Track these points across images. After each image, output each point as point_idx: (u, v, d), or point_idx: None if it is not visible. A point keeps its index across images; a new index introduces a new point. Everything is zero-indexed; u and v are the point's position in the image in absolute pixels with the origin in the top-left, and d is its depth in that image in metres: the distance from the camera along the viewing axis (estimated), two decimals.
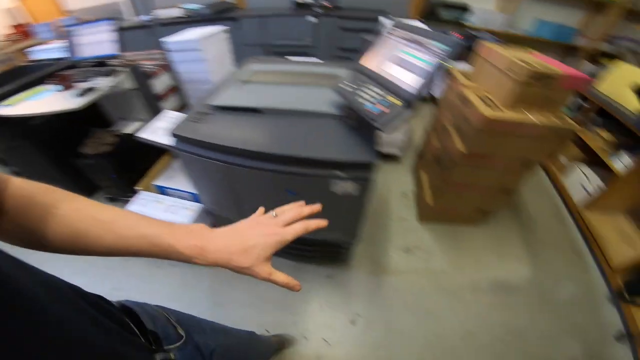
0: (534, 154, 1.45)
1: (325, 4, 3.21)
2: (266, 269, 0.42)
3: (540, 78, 1.24)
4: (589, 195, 2.03)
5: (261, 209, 0.52)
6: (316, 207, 0.50)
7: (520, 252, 1.89)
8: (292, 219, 0.47)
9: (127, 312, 0.46)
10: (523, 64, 1.24)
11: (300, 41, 3.35)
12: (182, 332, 0.52)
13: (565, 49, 3.68)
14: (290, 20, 3.22)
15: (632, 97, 1.80)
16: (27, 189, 0.38)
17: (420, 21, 3.41)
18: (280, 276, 0.43)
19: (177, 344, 0.49)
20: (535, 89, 1.27)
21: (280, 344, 1.34)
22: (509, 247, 1.92)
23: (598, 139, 2.09)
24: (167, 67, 2.23)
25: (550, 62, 1.34)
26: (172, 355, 0.46)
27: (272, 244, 0.43)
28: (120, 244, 0.40)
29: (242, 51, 3.49)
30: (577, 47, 3.38)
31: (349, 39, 3.30)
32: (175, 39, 2.14)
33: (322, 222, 0.47)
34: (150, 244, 0.41)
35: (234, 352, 0.75)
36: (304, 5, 3.29)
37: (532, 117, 1.29)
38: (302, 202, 0.51)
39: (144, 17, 3.66)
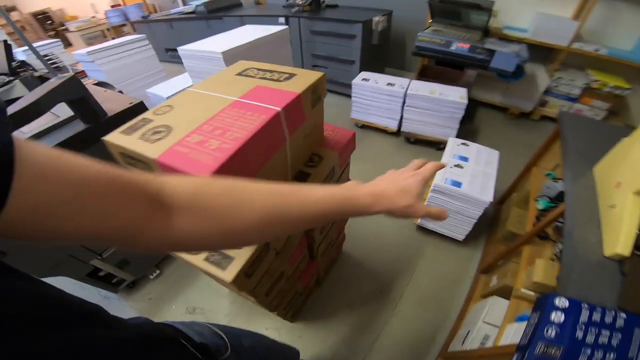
0: None
1: (300, 2, 2.72)
2: (423, 205, 0.46)
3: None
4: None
5: None
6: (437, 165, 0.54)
7: None
8: (418, 165, 0.52)
9: (175, 331, 0.47)
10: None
11: None
12: (227, 340, 0.56)
13: None
14: (266, 20, 2.88)
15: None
16: (190, 185, 0.33)
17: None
18: (434, 209, 0.48)
19: (228, 352, 0.53)
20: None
21: None
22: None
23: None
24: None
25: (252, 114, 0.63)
26: None
27: (420, 182, 0.47)
28: (315, 210, 0.39)
29: None
30: None
31: (321, 44, 2.75)
32: (79, 51, 2.20)
33: (443, 164, 0.54)
34: (337, 201, 0.41)
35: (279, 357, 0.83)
36: (289, 6, 2.88)
37: None
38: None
39: (173, 10, 3.96)
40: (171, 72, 2.51)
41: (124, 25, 4.67)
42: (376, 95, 2.27)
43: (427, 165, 0.52)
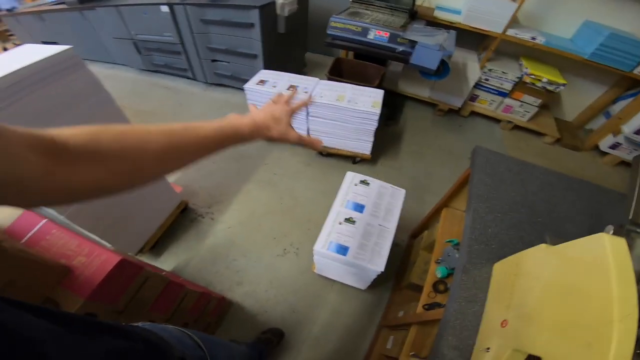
0: None
1: None
2: (295, 133, 0.55)
3: None
4: None
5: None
6: (294, 91, 0.65)
7: None
8: (287, 100, 0.59)
9: (156, 337, 0.45)
10: None
11: (163, 37, 2.42)
12: (205, 350, 0.55)
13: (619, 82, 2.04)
14: (147, 10, 2.30)
15: None
16: (85, 133, 0.33)
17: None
18: (306, 137, 0.57)
19: None
20: None
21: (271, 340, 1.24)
22: None
23: None
24: None
25: None
26: None
27: (289, 113, 0.56)
28: (207, 143, 0.43)
29: (114, 46, 2.80)
30: None
31: (217, 35, 2.25)
32: None
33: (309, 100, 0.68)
34: (225, 134, 0.45)
35: None
36: None
37: None
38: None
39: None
40: None
41: None
42: None
43: (297, 103, 0.60)
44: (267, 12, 2.04)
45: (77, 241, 0.71)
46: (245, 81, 1.87)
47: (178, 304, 0.96)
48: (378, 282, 1.33)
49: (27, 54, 0.89)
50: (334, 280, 1.42)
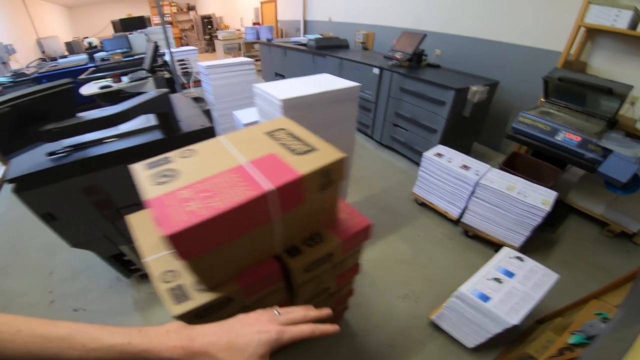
0: None
1: (398, 57, 2.73)
2: None
3: None
4: None
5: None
6: (325, 311, 0.47)
7: None
8: (296, 320, 0.45)
9: None
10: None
11: (364, 93, 3.04)
12: None
13: None
14: (361, 67, 2.98)
15: None
16: None
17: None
18: None
19: None
20: None
21: None
22: None
23: None
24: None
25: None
26: None
27: (267, 342, 0.40)
28: (87, 358, 0.37)
29: None
30: None
31: (407, 103, 2.68)
32: (202, 63, 2.58)
33: (332, 328, 0.45)
34: (120, 352, 0.38)
35: None
36: (388, 57, 2.92)
37: None
38: (310, 306, 0.49)
39: (292, 39, 4.42)
40: None
41: (255, 43, 5.38)
42: (445, 175, 2.08)
43: (301, 327, 0.42)
44: (460, 95, 2.34)
45: (344, 203, 0.98)
46: (416, 151, 2.17)
47: (343, 285, 1.16)
48: (486, 347, 1.38)
49: (330, 81, 1.44)
50: (442, 333, 1.50)
